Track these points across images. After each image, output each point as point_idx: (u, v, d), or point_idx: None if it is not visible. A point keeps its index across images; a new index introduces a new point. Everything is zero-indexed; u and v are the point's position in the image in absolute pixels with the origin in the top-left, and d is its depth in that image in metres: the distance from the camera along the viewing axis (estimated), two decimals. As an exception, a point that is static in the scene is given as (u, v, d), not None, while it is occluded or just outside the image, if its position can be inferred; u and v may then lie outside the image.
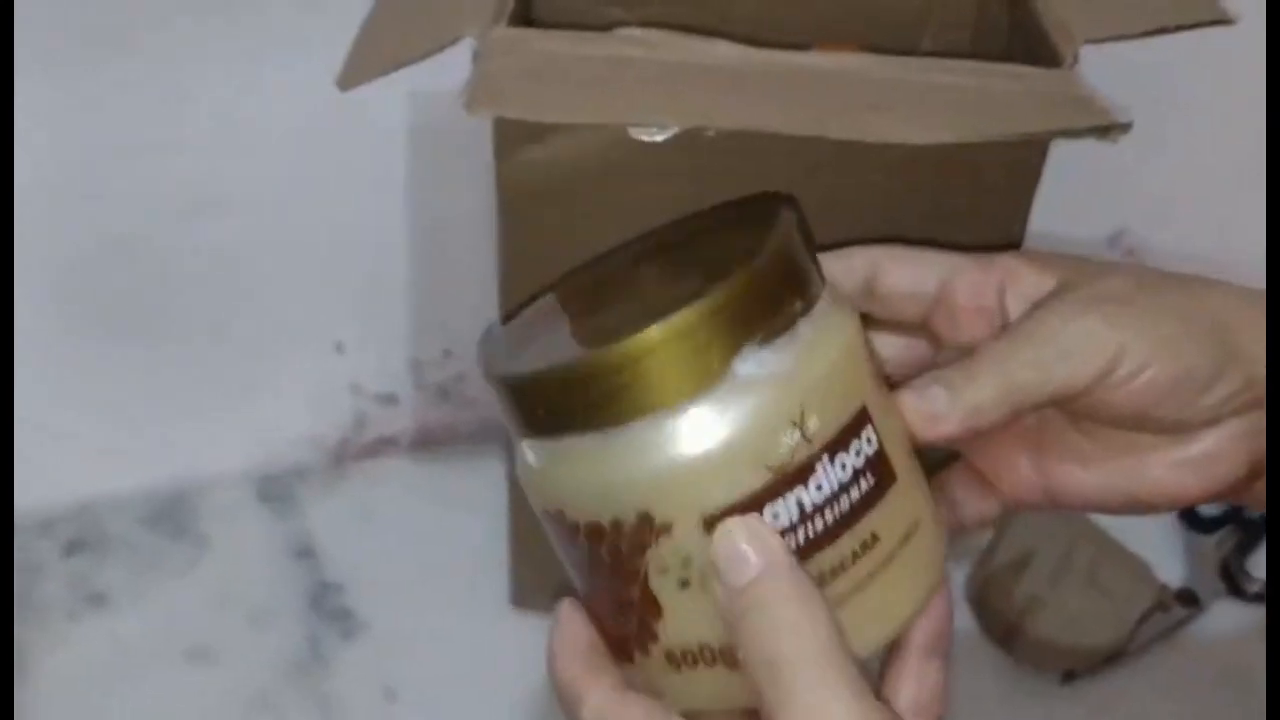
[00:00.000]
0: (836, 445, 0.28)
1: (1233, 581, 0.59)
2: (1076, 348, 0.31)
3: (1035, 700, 0.54)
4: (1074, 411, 0.32)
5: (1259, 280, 0.73)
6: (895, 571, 0.29)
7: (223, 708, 0.53)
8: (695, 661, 0.29)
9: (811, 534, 0.28)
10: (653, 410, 0.27)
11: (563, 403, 0.28)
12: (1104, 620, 0.55)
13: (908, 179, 0.40)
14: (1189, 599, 0.57)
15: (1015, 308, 0.33)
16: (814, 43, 0.46)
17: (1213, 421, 0.32)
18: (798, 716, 0.27)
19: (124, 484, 0.61)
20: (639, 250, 0.34)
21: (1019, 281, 0.33)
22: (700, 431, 0.27)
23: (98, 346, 0.58)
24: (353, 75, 0.41)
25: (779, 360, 0.28)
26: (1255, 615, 0.58)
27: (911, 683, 0.31)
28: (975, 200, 0.41)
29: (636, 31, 0.38)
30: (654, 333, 0.27)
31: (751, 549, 0.27)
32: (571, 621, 0.31)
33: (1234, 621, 0.57)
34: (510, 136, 0.40)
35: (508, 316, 0.34)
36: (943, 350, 0.34)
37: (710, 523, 0.28)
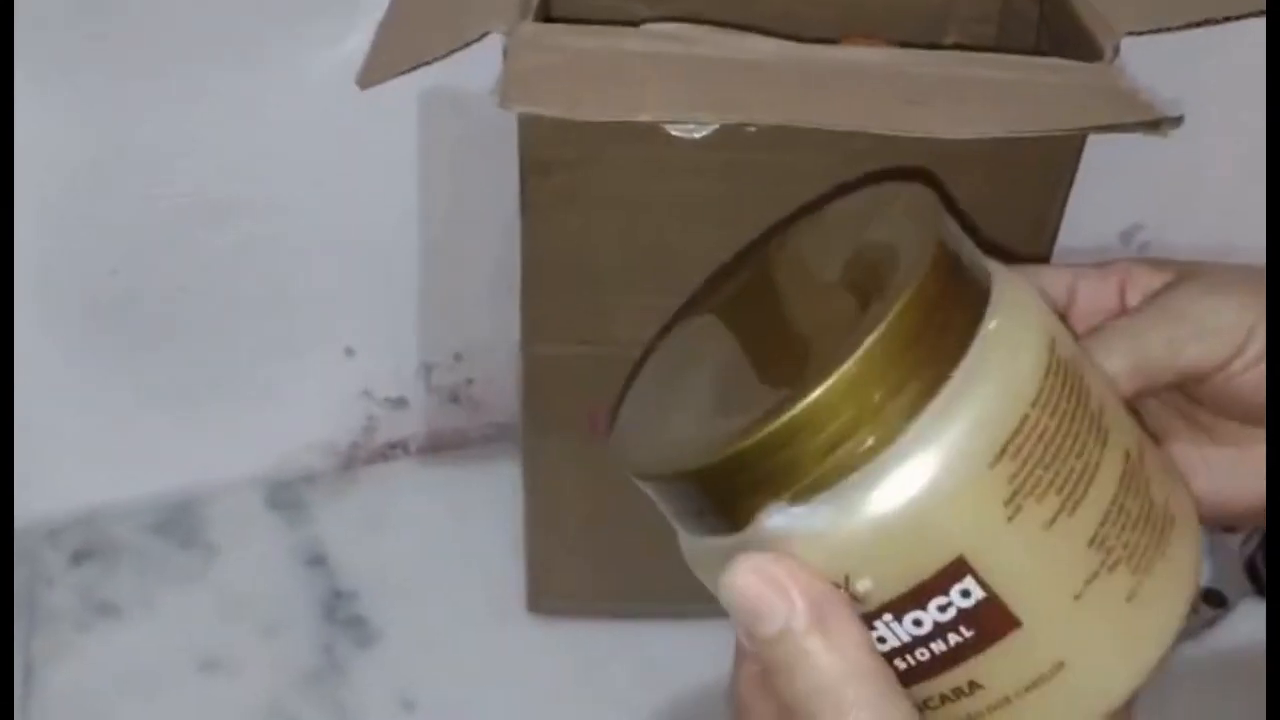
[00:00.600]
0: (902, 606, 0.24)
1: (1258, 580, 0.58)
2: (1208, 324, 0.30)
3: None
4: (1196, 397, 0.32)
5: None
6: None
7: (236, 718, 0.52)
8: None
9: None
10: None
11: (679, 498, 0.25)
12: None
13: (944, 174, 0.39)
14: (1216, 600, 0.57)
15: (1136, 302, 0.33)
16: (840, 37, 0.46)
17: None
18: None
19: (132, 491, 0.60)
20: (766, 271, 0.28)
21: (1138, 280, 0.33)
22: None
23: (106, 352, 0.57)
24: (373, 73, 0.40)
25: (813, 514, 0.23)
26: None
27: None
28: (1010, 195, 0.41)
29: (668, 27, 0.38)
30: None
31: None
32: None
33: (1261, 621, 0.57)
34: (536, 135, 0.39)
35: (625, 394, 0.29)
36: None
37: None
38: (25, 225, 0.51)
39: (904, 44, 0.41)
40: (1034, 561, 0.24)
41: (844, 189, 0.29)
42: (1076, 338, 0.29)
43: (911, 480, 0.23)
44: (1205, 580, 0.58)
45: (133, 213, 0.54)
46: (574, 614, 0.54)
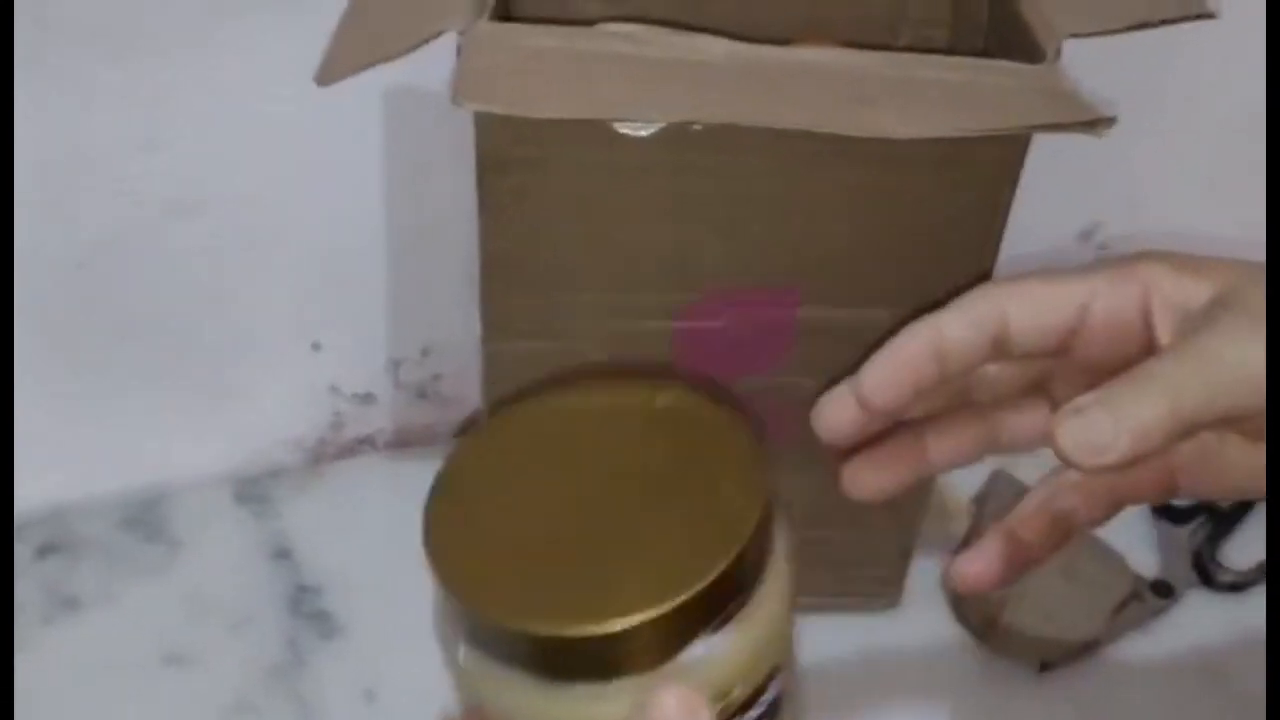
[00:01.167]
0: (748, 704, 0.30)
1: (1205, 572, 0.59)
2: (1249, 369, 0.28)
3: (1012, 690, 0.55)
4: (1239, 430, 0.30)
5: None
6: None
7: (200, 712, 0.53)
8: None
9: None
10: (598, 679, 0.28)
11: (519, 651, 0.29)
12: (1080, 611, 0.56)
13: (890, 175, 0.40)
14: (1164, 590, 0.58)
15: (1163, 318, 0.31)
16: (792, 39, 0.47)
17: None
18: None
19: (97, 487, 0.60)
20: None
21: (1161, 288, 0.31)
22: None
23: (70, 347, 0.57)
24: (332, 70, 0.41)
25: (722, 641, 0.29)
26: (1227, 605, 0.59)
27: None
28: (957, 195, 0.42)
29: (621, 27, 0.38)
30: (618, 625, 0.27)
31: None
32: None
33: (1206, 611, 0.58)
34: (492, 133, 0.39)
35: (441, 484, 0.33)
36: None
37: None
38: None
39: (856, 46, 0.41)
40: (792, 654, 0.33)
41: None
42: None
43: (777, 597, 0.31)
44: (1154, 571, 0.59)
45: (98, 208, 0.54)
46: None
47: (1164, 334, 0.31)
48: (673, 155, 0.39)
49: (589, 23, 0.40)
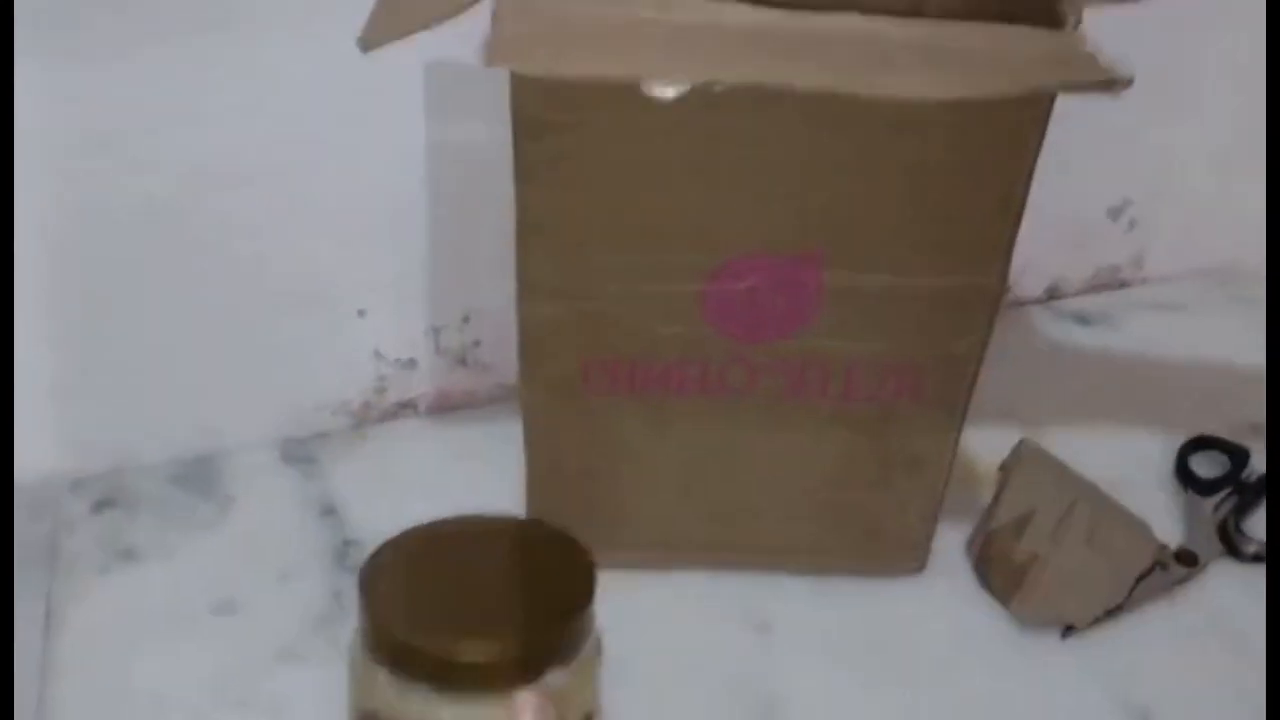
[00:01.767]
0: None
1: (1230, 543, 0.60)
2: None
3: (1034, 654, 0.56)
4: None
5: (1262, 251, 0.73)
6: None
7: (249, 658, 0.55)
8: None
9: None
10: (480, 692, 0.39)
11: (420, 665, 0.39)
12: (1103, 578, 0.57)
13: (912, 139, 0.41)
14: (1188, 559, 0.59)
15: None
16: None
17: None
18: None
19: (152, 447, 0.63)
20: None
21: None
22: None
23: (124, 313, 0.60)
24: (374, 37, 0.42)
25: (564, 675, 0.40)
26: (1251, 575, 0.59)
27: None
28: (978, 161, 0.43)
29: (651, -6, 0.40)
30: (497, 652, 0.39)
31: None
32: None
33: (1231, 581, 0.59)
34: (526, 97, 0.41)
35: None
36: None
37: None
38: (35, 190, 0.54)
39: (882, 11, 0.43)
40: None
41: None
42: None
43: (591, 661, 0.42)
44: (1178, 541, 0.60)
45: (146, 177, 0.57)
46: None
47: None
48: (700, 119, 0.40)
49: None
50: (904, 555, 0.58)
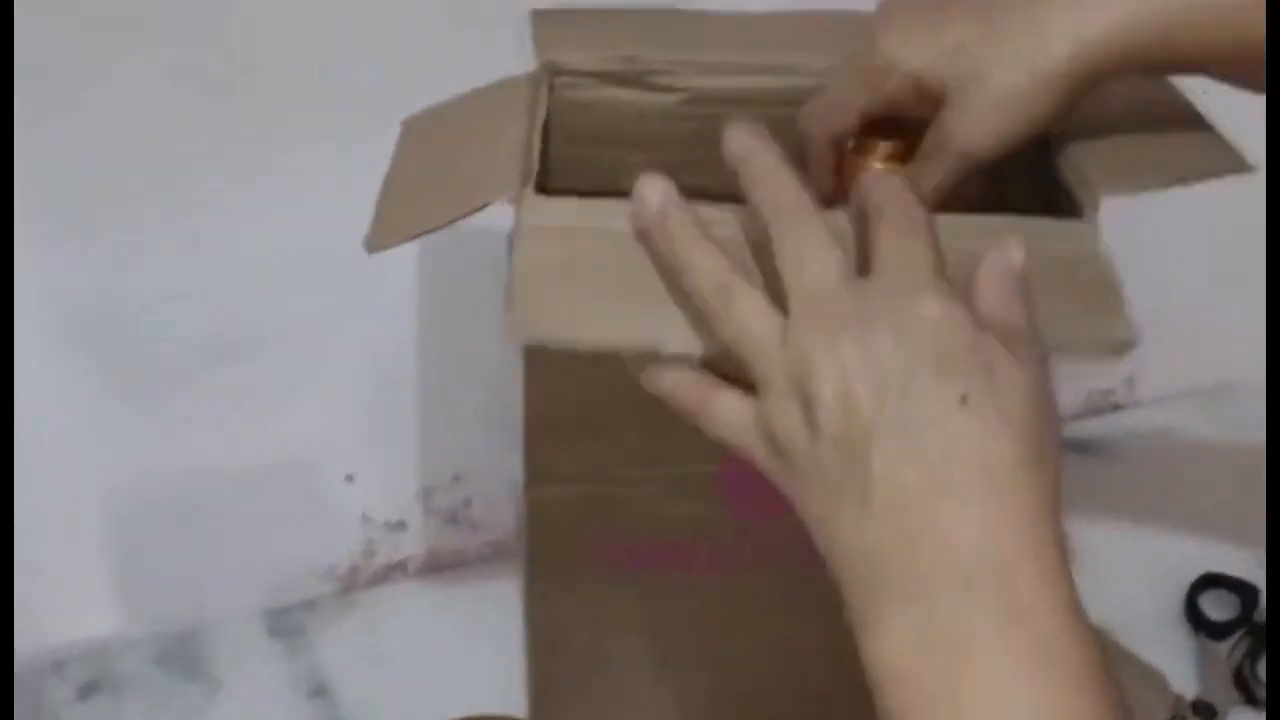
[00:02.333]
0: None
1: (1247, 689, 0.59)
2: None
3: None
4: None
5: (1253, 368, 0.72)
6: None
7: None
8: None
9: None
10: None
11: None
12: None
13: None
14: (1206, 711, 0.58)
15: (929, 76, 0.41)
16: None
17: None
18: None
19: (136, 620, 0.60)
20: None
21: (910, 66, 0.41)
22: None
23: (111, 483, 0.58)
24: (380, 238, 0.41)
25: None
26: (1270, 723, 0.58)
27: None
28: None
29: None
30: None
31: None
32: None
33: (1252, 731, 0.58)
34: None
35: None
36: None
37: None
38: (30, 360, 0.52)
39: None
40: None
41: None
42: None
43: None
44: (1195, 689, 0.59)
45: (146, 355, 0.55)
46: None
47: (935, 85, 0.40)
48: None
49: (631, 171, 0.40)
50: None
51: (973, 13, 0.40)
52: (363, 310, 0.57)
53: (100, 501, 0.58)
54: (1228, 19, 0.38)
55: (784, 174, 0.36)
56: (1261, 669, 0.60)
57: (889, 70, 0.41)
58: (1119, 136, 0.42)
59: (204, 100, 0.51)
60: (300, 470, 0.60)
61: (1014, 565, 0.31)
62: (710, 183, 0.39)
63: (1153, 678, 0.58)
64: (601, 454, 0.46)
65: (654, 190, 0.36)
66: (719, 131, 0.38)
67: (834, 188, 0.44)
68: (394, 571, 0.65)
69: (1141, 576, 0.65)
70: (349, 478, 0.62)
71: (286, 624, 0.62)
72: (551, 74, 0.48)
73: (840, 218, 0.36)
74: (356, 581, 0.65)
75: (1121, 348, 0.36)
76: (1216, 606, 0.63)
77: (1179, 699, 0.57)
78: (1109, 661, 0.31)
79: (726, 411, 0.36)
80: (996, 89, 0.39)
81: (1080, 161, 0.41)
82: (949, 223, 0.40)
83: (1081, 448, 0.75)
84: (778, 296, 0.34)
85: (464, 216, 0.40)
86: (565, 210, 0.40)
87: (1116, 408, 0.79)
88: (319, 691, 0.59)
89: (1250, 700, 0.59)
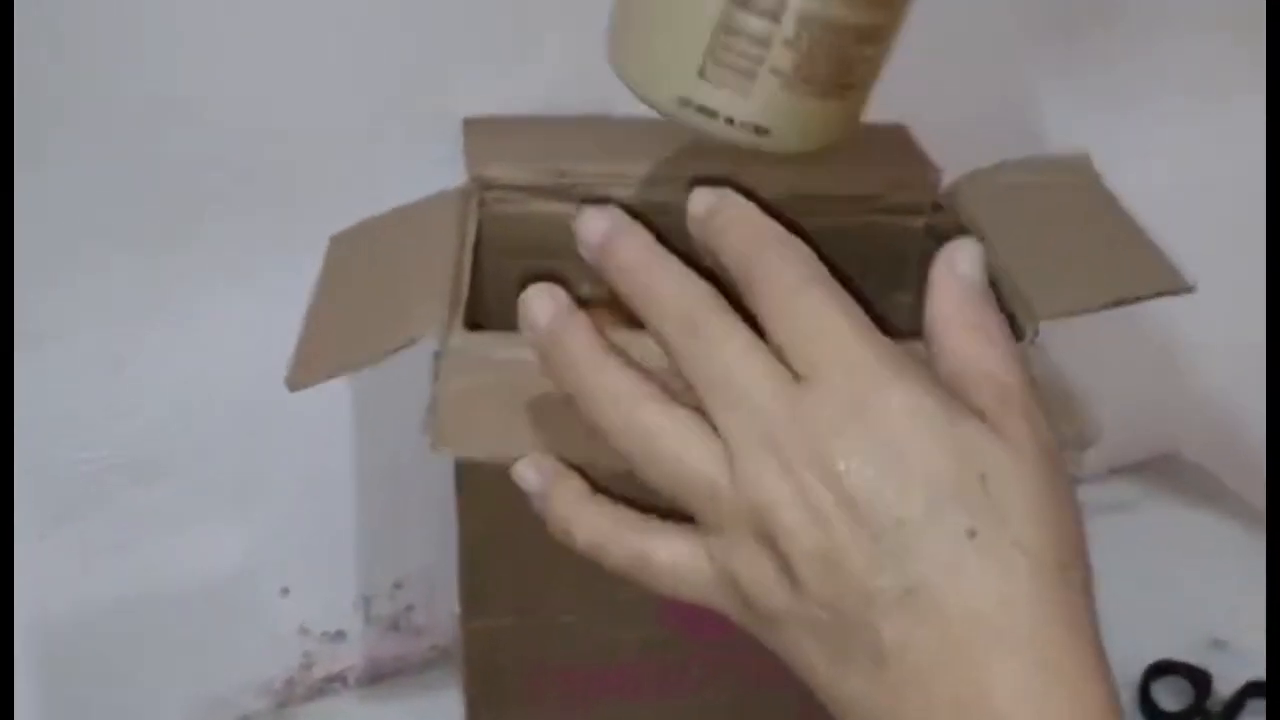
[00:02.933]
0: None
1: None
2: None
3: None
4: None
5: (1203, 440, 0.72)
6: None
7: None
8: None
9: None
10: None
11: None
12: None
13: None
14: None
15: None
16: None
17: None
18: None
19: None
20: None
21: None
22: None
23: (37, 611, 0.55)
24: (302, 375, 0.40)
25: None
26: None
27: None
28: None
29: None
30: None
31: None
32: None
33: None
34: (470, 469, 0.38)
35: None
36: None
37: None
38: None
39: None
40: None
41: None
42: None
43: None
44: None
45: (64, 473, 0.53)
46: None
47: None
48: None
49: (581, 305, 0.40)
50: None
51: None
52: (294, 421, 0.55)
53: (24, 631, 0.55)
54: None
55: (664, 265, 0.30)
56: (1218, 762, 0.59)
57: None
58: (1060, 254, 0.42)
59: (125, 215, 0.49)
60: (233, 586, 0.58)
61: None
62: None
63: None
64: (540, 581, 0.45)
65: (542, 307, 0.32)
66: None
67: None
68: (333, 683, 0.63)
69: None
70: (284, 590, 0.60)
71: (221, 745, 0.60)
72: (482, 189, 0.47)
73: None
74: (294, 695, 0.62)
75: (1082, 444, 0.35)
76: (1169, 694, 0.63)
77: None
78: None
79: (674, 564, 0.31)
80: None
81: (1021, 282, 0.40)
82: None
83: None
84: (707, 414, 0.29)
85: (390, 355, 0.39)
86: (490, 342, 0.38)
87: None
88: (255, 821, 0.56)
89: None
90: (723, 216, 0.31)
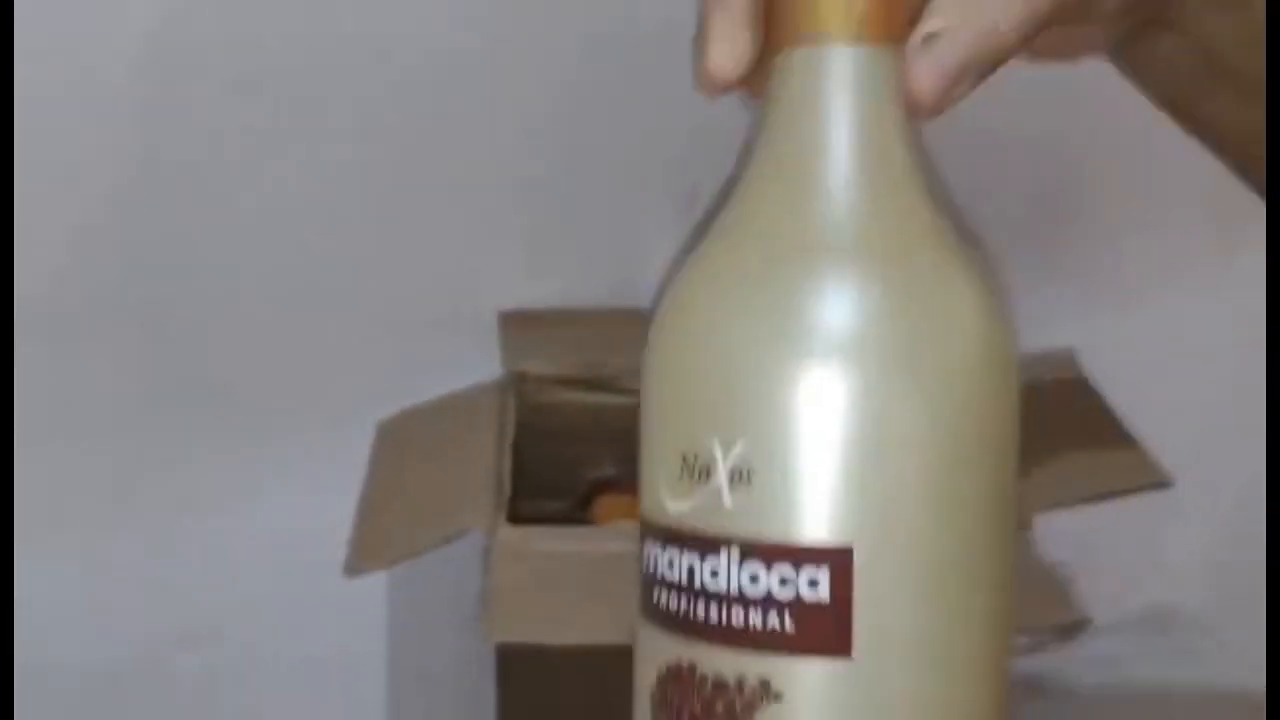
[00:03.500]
0: None
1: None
2: None
3: None
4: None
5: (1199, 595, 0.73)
6: None
7: None
8: None
9: None
10: None
11: None
12: None
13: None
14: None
15: None
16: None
17: None
18: None
19: None
20: None
21: None
22: None
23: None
24: (359, 563, 0.43)
25: None
26: None
27: None
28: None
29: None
30: None
31: None
32: None
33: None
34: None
35: None
36: None
37: None
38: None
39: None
40: None
41: None
42: None
43: None
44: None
45: (115, 640, 0.56)
46: None
47: None
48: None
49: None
50: None
51: None
52: (331, 606, 0.58)
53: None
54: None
55: None
56: None
57: None
58: (1053, 449, 0.45)
59: (182, 404, 0.54)
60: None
61: None
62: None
63: None
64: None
65: None
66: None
67: None
68: None
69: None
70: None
71: None
72: (519, 382, 0.52)
73: None
74: None
75: (1072, 629, 0.38)
76: None
77: None
78: None
79: None
80: None
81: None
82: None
83: (1036, 684, 0.76)
84: None
85: (440, 544, 0.42)
86: (535, 535, 0.42)
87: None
88: None
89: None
90: None
